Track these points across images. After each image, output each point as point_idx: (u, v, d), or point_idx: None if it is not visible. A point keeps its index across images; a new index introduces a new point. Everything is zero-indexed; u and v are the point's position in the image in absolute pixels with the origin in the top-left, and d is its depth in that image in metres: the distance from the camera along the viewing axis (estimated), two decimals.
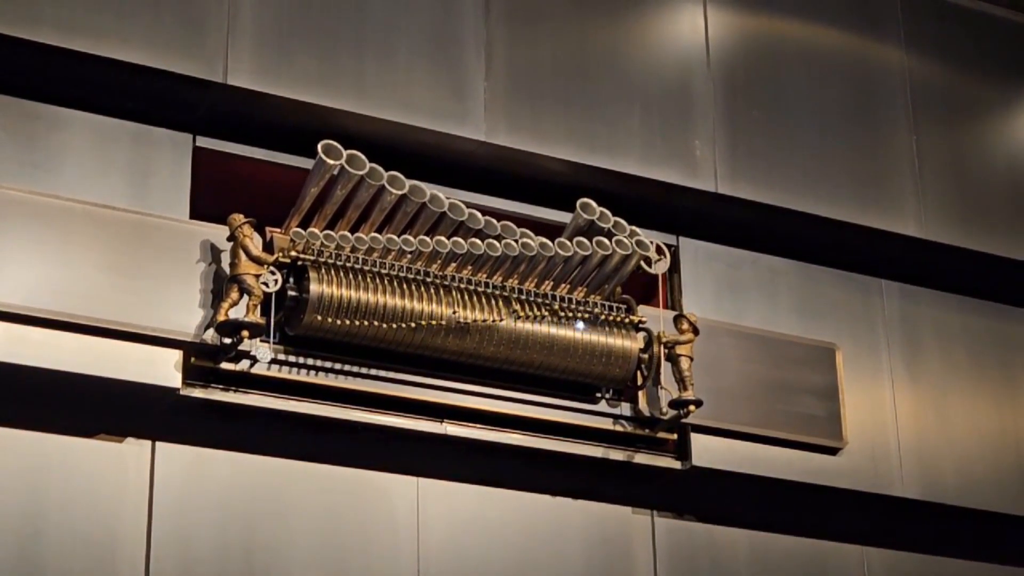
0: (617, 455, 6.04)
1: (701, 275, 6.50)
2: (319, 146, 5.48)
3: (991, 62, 7.41)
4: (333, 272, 5.53)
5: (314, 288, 5.47)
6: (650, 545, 6.08)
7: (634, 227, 5.99)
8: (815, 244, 6.76)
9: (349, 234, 5.58)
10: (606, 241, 5.91)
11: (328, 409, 5.57)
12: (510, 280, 5.84)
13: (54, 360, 5.17)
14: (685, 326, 6.06)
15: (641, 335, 6.03)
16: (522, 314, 5.76)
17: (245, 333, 5.32)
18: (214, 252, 5.49)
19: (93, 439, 5.30)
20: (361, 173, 5.54)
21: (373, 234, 5.62)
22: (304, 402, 5.53)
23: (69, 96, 5.51)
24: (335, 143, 5.50)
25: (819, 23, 7.00)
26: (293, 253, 5.51)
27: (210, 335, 5.38)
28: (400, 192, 5.61)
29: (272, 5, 5.76)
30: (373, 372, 5.66)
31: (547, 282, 5.93)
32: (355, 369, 5.63)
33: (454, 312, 5.64)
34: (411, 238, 5.63)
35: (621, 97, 6.37)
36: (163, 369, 5.32)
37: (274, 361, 5.47)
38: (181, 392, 5.35)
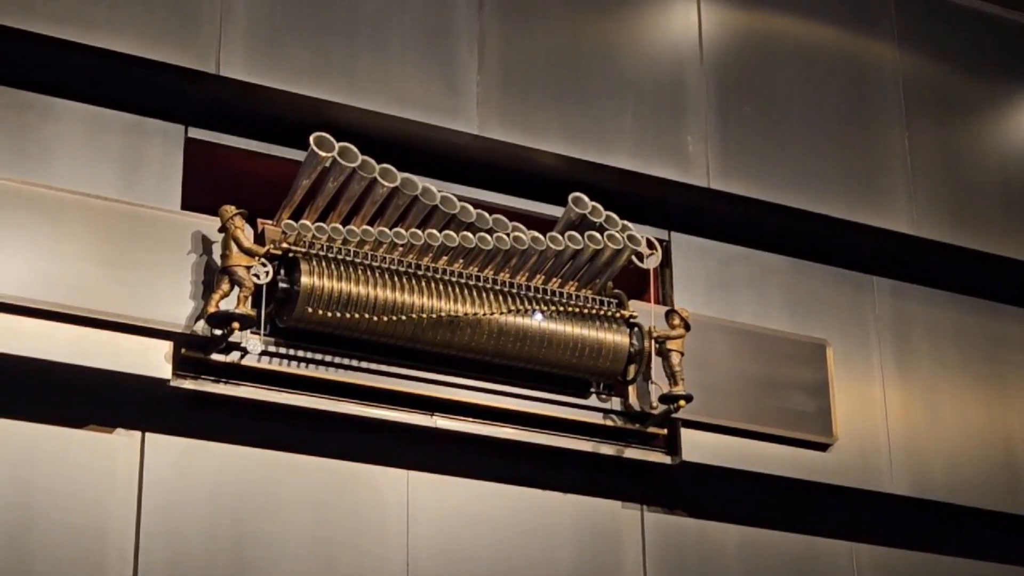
0: (607, 449, 6.05)
1: (693, 270, 6.50)
2: (311, 138, 5.48)
3: (984, 60, 7.41)
4: (324, 264, 5.52)
5: (305, 280, 5.46)
6: (639, 540, 6.07)
7: (626, 222, 5.98)
8: (807, 240, 6.76)
9: (340, 226, 5.57)
10: (598, 235, 5.91)
11: (318, 401, 5.57)
12: (501, 274, 5.84)
13: (44, 350, 5.16)
14: (676, 321, 6.06)
15: (632, 330, 6.03)
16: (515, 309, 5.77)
17: (236, 325, 5.32)
18: (205, 243, 5.49)
19: (83, 430, 5.27)
20: (353, 166, 5.53)
21: (365, 227, 5.62)
22: (294, 394, 5.53)
23: (61, 86, 5.50)
24: (327, 135, 5.49)
25: (812, 20, 7.00)
26: (284, 245, 5.51)
27: (201, 326, 5.37)
28: (392, 185, 5.61)
29: None
30: (364, 365, 5.66)
31: (538, 276, 5.92)
32: (345, 362, 5.63)
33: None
34: (403, 231, 5.63)
35: (614, 92, 6.37)
36: (153, 360, 5.32)
37: (264, 353, 5.48)
38: (171, 383, 5.34)
